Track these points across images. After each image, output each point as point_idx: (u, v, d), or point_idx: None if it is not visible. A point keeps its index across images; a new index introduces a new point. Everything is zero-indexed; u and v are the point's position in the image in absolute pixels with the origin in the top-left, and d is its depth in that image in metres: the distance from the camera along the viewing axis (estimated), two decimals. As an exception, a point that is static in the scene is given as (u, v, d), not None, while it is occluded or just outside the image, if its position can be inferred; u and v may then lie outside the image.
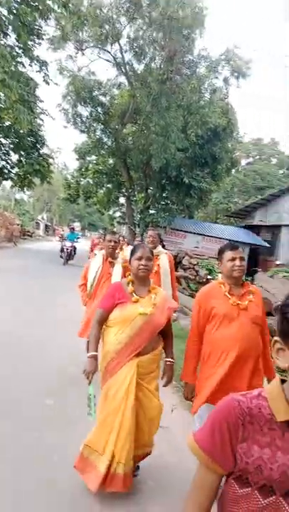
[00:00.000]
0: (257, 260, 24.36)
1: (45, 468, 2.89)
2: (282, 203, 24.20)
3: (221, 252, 2.80)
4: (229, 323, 2.62)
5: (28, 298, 8.99)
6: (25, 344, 5.67)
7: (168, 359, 2.79)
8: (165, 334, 2.79)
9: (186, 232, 24.17)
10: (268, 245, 24.59)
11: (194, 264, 16.88)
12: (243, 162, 38.23)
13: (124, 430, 2.47)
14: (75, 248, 18.34)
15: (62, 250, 18.35)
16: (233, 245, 2.78)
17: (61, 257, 18.17)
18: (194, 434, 1.16)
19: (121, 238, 6.73)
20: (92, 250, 14.01)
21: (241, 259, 2.73)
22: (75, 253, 18.39)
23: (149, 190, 24.33)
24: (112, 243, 4.41)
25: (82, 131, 22.96)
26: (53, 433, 3.37)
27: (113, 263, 4.47)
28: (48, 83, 19.37)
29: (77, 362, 4.49)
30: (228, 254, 2.71)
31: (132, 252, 2.73)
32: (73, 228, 20.99)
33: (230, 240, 23.90)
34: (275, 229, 24.85)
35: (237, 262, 2.68)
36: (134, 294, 2.66)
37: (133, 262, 2.70)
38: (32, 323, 6.84)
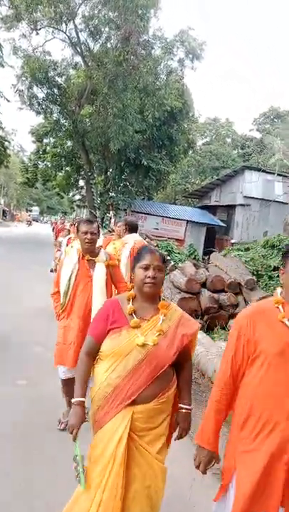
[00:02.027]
0: (213, 240, 25.37)
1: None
2: (236, 183, 25.14)
3: (286, 254, 1.80)
4: (285, 368, 1.67)
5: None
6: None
7: (184, 405, 2.02)
8: (181, 368, 2.05)
9: (146, 214, 24.63)
10: (223, 225, 25.59)
11: (155, 246, 17.48)
12: (200, 142, 38.97)
13: (105, 509, 1.77)
14: None
15: None
16: None
17: None
18: None
19: (119, 224, 4.87)
20: (56, 237, 12.53)
21: None
22: None
23: (108, 173, 24.51)
24: (89, 236, 3.25)
25: (38, 113, 22.64)
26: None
27: (93, 262, 3.34)
28: (2, 66, 18.87)
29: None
30: None
31: (137, 258, 2.02)
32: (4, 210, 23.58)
33: (188, 221, 24.75)
34: (229, 209, 25.84)
35: None
36: (133, 316, 1.95)
37: (137, 270, 1.99)
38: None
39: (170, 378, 1.96)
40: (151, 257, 1.98)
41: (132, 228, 4.67)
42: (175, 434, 2.04)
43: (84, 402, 1.97)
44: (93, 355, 2.03)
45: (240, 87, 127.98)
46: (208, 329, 6.54)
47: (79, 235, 3.33)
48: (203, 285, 7.09)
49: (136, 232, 4.75)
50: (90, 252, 3.34)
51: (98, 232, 3.42)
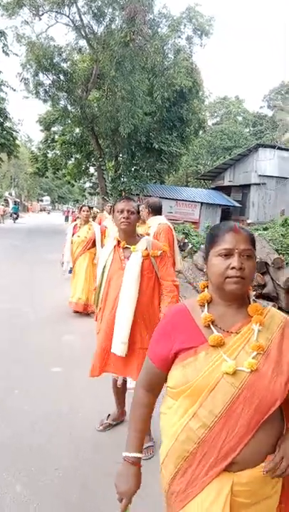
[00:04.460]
0: (229, 220, 25.00)
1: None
2: (250, 162, 24.61)
3: None
4: None
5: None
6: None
7: None
8: None
9: (160, 197, 24.33)
10: (239, 205, 25.17)
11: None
12: (210, 122, 38.20)
13: None
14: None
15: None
16: None
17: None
18: None
19: (140, 208, 3.89)
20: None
21: None
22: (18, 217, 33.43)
23: (119, 158, 24.19)
24: (126, 214, 2.60)
25: (45, 101, 22.33)
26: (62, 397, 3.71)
27: (129, 250, 2.68)
28: (7, 54, 18.57)
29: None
30: None
31: (211, 240, 1.31)
32: (15, 201, 38.87)
33: (202, 203, 24.39)
34: (244, 188, 25.37)
35: None
36: (212, 329, 1.27)
37: (213, 260, 1.29)
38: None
39: (282, 424, 1.27)
40: (235, 237, 1.26)
41: (155, 210, 4.29)
42: None
43: (140, 459, 1.38)
44: (156, 389, 1.42)
45: (249, 64, 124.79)
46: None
47: (114, 216, 2.69)
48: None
49: (160, 214, 4.38)
50: (127, 236, 2.67)
51: (138, 212, 2.72)
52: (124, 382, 2.88)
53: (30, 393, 3.48)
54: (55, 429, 2.98)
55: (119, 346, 2.54)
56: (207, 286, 1.38)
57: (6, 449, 2.71)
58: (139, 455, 1.37)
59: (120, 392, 3.00)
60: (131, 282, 2.56)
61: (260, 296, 6.64)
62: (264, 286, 6.73)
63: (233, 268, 1.23)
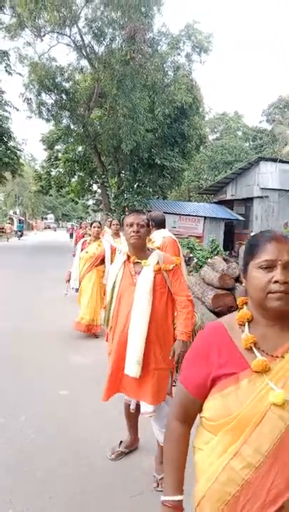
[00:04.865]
0: (232, 234, 24.93)
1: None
2: (252, 175, 24.63)
3: None
4: None
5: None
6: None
7: None
8: None
9: (163, 213, 24.27)
10: (242, 219, 25.12)
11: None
12: (210, 138, 38.52)
13: None
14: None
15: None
16: None
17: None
18: None
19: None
20: (76, 242, 10.41)
21: None
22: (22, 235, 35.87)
23: (122, 175, 24.33)
24: (135, 227, 2.47)
25: (47, 120, 22.61)
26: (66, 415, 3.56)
27: (139, 265, 2.54)
28: (10, 74, 18.90)
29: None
30: None
31: (251, 251, 1.17)
32: (20, 220, 42.53)
33: (206, 217, 24.39)
34: (247, 202, 25.34)
35: None
36: (255, 352, 1.12)
37: (254, 273, 1.14)
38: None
39: None
40: (277, 247, 1.11)
41: (158, 224, 4.09)
42: None
43: (181, 502, 1.18)
44: (192, 419, 1.22)
45: (247, 79, 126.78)
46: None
47: (124, 230, 2.55)
48: (236, 280, 6.79)
49: (164, 228, 4.20)
50: (137, 250, 2.53)
51: (148, 225, 2.57)
52: (138, 406, 2.67)
53: (36, 418, 3.30)
54: (61, 457, 2.77)
55: (132, 367, 2.38)
56: (246, 303, 1.21)
57: (10, 475, 2.56)
58: (180, 497, 1.18)
59: (133, 416, 2.80)
60: (143, 298, 2.41)
61: None
62: None
63: (276, 282, 1.07)
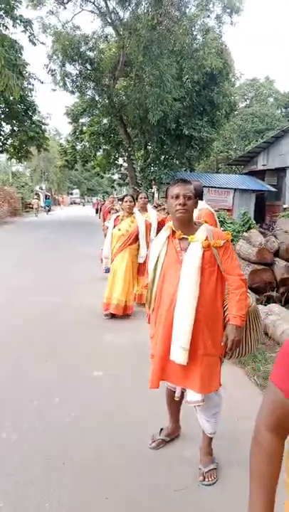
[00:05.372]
0: (264, 206, 24.10)
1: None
2: (285, 144, 23.51)
3: None
4: None
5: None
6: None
7: None
8: None
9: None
10: (274, 190, 24.20)
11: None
12: (240, 105, 36.91)
13: None
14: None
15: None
16: None
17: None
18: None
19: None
20: (104, 220, 9.99)
21: None
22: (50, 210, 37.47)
23: (148, 147, 23.76)
24: (182, 199, 2.20)
25: (72, 92, 22.18)
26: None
27: (186, 241, 2.27)
28: (34, 43, 18.46)
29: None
30: None
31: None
32: (46, 195, 43.80)
33: (235, 189, 23.62)
34: (280, 172, 24.32)
35: None
36: None
37: None
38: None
39: None
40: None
41: (197, 194, 3.87)
42: None
43: None
44: (281, 431, 0.99)
45: (279, 41, 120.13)
46: (286, 302, 5.93)
47: (168, 202, 2.27)
48: (276, 254, 6.43)
49: (201, 199, 3.83)
50: (183, 225, 2.25)
51: (196, 196, 2.30)
52: (182, 394, 2.46)
53: (71, 402, 3.13)
54: (99, 445, 2.62)
55: (179, 353, 2.15)
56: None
57: (49, 463, 2.43)
58: None
59: (175, 404, 2.60)
60: (190, 277, 2.15)
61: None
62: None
63: None
